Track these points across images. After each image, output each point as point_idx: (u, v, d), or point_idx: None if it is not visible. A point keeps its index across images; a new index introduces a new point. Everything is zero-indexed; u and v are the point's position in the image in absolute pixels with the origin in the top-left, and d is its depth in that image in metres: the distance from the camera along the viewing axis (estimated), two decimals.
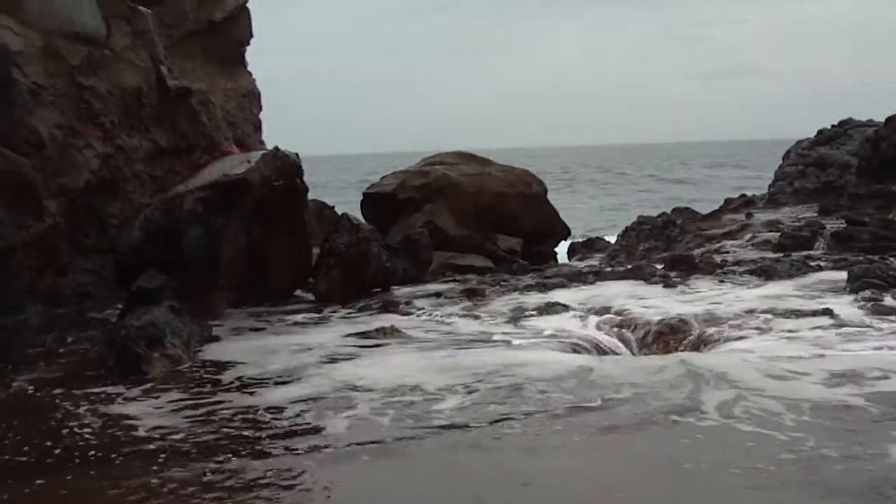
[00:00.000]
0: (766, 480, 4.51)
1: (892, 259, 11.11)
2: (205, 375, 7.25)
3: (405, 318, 9.36)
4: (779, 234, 15.06)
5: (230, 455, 5.27)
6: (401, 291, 11.03)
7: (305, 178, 10.79)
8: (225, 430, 5.79)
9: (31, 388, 6.93)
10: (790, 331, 7.88)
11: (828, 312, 8.34)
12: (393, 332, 8.51)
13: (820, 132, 24.25)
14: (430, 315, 9.46)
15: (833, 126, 24.26)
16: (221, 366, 7.57)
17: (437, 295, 10.57)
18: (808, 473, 4.59)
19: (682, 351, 7.83)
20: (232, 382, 7.01)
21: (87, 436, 5.72)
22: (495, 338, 8.26)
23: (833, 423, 5.35)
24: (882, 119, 19.51)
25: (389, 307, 9.86)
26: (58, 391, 6.76)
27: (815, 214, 17.93)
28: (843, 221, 14.85)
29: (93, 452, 5.40)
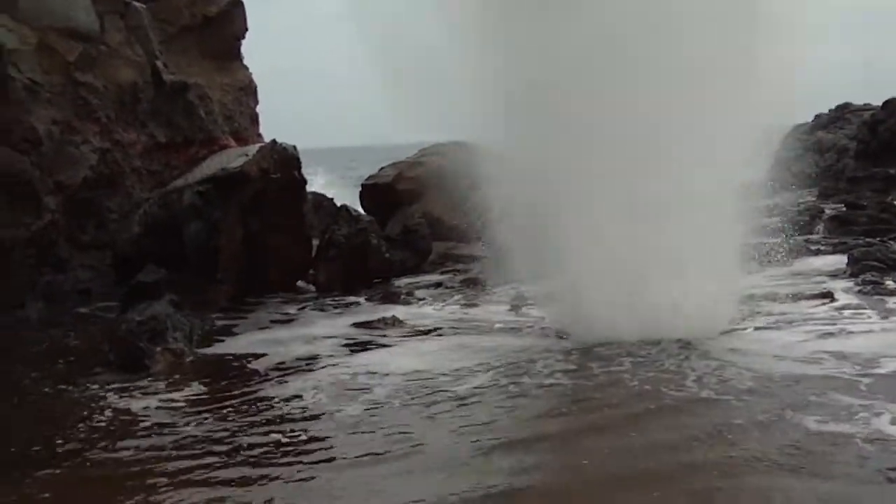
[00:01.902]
0: None
1: (891, 242, 11.11)
2: (207, 368, 7.26)
3: (406, 307, 9.38)
4: (777, 218, 15.04)
5: (233, 448, 5.30)
6: (401, 282, 11.04)
7: (304, 171, 10.78)
8: (229, 422, 5.80)
9: (34, 384, 6.94)
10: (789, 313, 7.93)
11: (828, 295, 8.36)
12: (395, 322, 8.52)
13: (818, 116, 24.23)
14: (430, 304, 9.48)
15: (831, 110, 24.25)
16: (224, 358, 7.58)
17: (438, 285, 10.58)
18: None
19: None
20: (235, 375, 7.02)
21: (91, 430, 5.73)
22: (497, 326, 8.29)
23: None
24: (879, 102, 19.51)
25: (390, 298, 9.87)
26: (60, 387, 6.78)
27: (814, 198, 17.92)
28: (843, 205, 14.85)
29: (97, 446, 5.41)
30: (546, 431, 5.32)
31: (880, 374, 5.96)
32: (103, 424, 5.85)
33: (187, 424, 5.77)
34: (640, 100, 7.65)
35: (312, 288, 10.66)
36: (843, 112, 23.64)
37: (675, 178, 7.59)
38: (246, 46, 13.00)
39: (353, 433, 5.42)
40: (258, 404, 6.17)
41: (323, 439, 5.39)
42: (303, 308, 9.61)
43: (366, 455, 5.02)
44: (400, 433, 5.35)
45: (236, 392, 6.52)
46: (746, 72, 8.02)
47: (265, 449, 5.25)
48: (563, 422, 5.48)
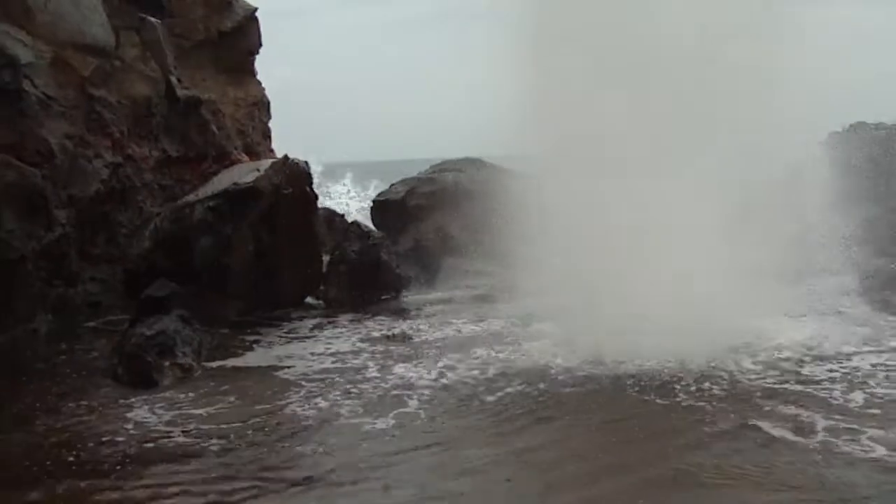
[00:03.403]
0: None
1: None
2: (215, 384, 7.22)
3: (415, 322, 9.35)
4: None
5: (237, 462, 5.26)
6: (412, 298, 10.99)
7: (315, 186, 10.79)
8: (233, 436, 5.77)
9: (43, 398, 6.91)
10: None
11: None
12: (404, 338, 8.48)
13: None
14: (440, 319, 9.45)
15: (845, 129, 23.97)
16: (232, 373, 7.55)
17: (448, 301, 10.53)
18: None
19: None
20: (244, 390, 6.98)
21: (99, 444, 5.70)
22: (506, 341, 8.25)
23: None
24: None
25: (400, 313, 9.83)
26: (69, 401, 6.75)
27: None
28: None
29: (106, 460, 5.39)
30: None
31: None
32: (111, 437, 5.82)
33: (192, 438, 5.74)
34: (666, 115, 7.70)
35: (322, 304, 10.63)
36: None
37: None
38: (264, 59, 13.07)
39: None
40: (265, 419, 6.14)
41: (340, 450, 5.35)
42: (312, 323, 9.59)
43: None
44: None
45: (243, 407, 6.49)
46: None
47: (280, 464, 5.21)
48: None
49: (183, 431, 5.94)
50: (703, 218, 7.72)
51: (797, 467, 4.83)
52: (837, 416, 5.67)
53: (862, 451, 5.06)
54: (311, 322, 9.65)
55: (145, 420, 6.22)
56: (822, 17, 9.07)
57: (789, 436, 5.36)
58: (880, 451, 5.04)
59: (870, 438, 5.24)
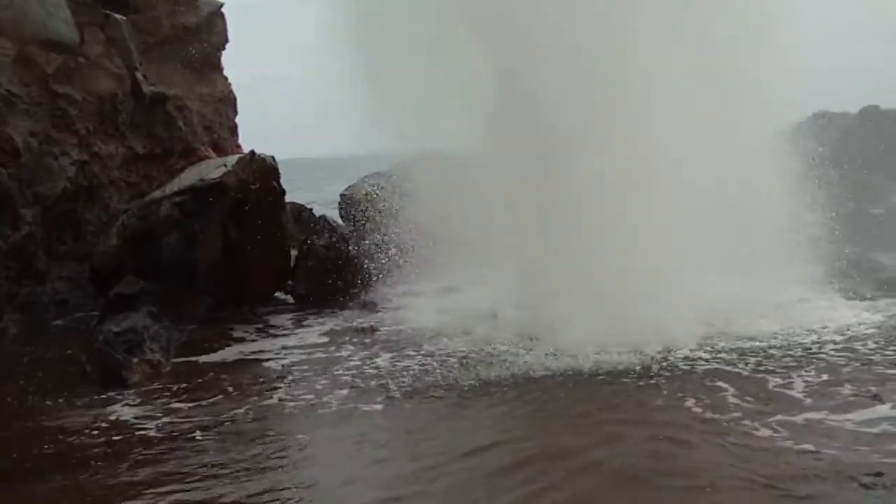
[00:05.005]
0: None
1: None
2: (185, 379, 7.30)
3: (383, 314, 9.49)
4: None
5: (210, 459, 5.37)
6: (379, 291, 11.10)
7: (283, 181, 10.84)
8: (205, 432, 5.87)
9: (13, 396, 6.96)
10: None
11: None
12: (372, 331, 8.62)
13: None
14: (406, 312, 9.59)
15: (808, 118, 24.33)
16: (202, 369, 7.63)
17: (416, 294, 10.66)
18: None
19: None
20: (213, 386, 7.07)
21: (69, 441, 5.78)
22: (471, 333, 8.41)
23: None
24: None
25: (368, 307, 9.95)
26: (38, 398, 6.80)
27: None
28: None
29: (76, 457, 5.47)
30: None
31: None
32: (80, 434, 5.90)
33: (163, 433, 5.84)
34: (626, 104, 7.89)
35: (291, 299, 10.71)
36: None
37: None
38: (231, 55, 13.08)
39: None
40: (241, 413, 6.25)
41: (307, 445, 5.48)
42: (281, 318, 9.69)
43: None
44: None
45: (213, 404, 6.58)
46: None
47: (251, 456, 5.33)
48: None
49: (157, 427, 6.03)
50: (664, 207, 7.90)
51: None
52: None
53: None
54: (280, 317, 9.75)
55: (118, 417, 6.29)
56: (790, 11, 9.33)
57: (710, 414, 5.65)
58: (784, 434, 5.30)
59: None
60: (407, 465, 5.15)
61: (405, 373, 7.06)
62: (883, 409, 5.67)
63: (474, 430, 5.70)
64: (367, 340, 8.37)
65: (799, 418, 5.58)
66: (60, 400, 6.75)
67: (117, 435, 5.88)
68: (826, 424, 5.47)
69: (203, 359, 8.00)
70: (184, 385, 7.12)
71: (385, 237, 12.27)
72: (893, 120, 19.90)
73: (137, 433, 5.91)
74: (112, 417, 6.28)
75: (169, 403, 6.59)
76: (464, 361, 7.30)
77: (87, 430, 6.00)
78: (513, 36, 8.54)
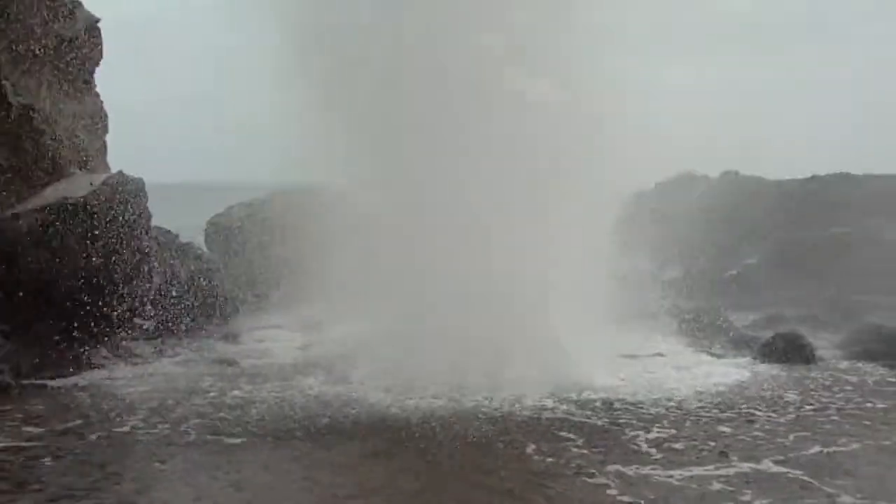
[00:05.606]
0: None
1: None
2: (32, 404, 7.19)
3: (244, 346, 9.61)
4: None
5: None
6: (242, 322, 11.18)
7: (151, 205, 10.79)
8: (56, 460, 5.86)
9: None
10: None
11: None
12: (231, 363, 8.73)
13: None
14: (268, 344, 9.75)
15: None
16: (53, 393, 7.54)
17: (277, 327, 10.81)
18: None
19: None
20: (62, 411, 7.02)
21: None
22: (328, 371, 8.63)
23: None
24: None
25: (230, 338, 10.03)
26: None
27: None
28: None
29: None
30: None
31: None
32: None
33: (11, 454, 5.79)
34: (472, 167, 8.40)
35: (151, 325, 10.61)
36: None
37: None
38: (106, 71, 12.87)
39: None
40: (89, 440, 6.25)
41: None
42: (141, 344, 9.63)
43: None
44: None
45: (64, 431, 6.54)
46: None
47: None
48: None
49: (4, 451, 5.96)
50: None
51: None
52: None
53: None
54: (139, 343, 9.69)
55: None
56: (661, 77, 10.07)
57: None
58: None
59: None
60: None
61: (263, 405, 7.21)
62: (722, 468, 6.07)
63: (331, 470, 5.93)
64: (228, 372, 8.49)
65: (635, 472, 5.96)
66: None
67: None
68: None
69: (56, 383, 7.89)
70: (27, 410, 7.03)
71: (250, 268, 12.39)
72: (754, 184, 21.03)
73: None
74: None
75: (19, 428, 6.50)
76: (318, 399, 7.50)
77: None
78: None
